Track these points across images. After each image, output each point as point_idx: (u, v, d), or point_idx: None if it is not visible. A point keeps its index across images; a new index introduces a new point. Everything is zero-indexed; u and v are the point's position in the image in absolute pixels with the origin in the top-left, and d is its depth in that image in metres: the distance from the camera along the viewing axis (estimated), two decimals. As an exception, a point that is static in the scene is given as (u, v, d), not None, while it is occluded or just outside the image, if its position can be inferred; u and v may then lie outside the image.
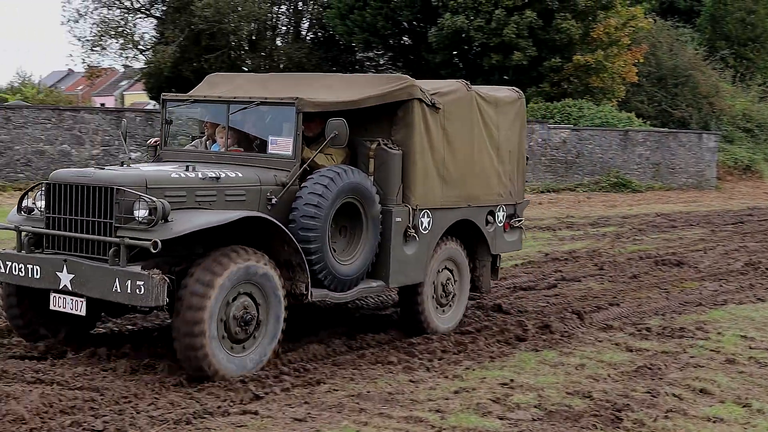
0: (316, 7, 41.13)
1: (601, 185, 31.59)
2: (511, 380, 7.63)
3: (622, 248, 16.52)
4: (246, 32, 40.05)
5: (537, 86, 35.29)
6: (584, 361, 8.34)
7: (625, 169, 32.99)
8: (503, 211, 10.06)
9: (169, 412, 6.45)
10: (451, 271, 9.51)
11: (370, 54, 41.23)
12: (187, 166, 7.84)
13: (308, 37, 41.74)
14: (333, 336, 8.86)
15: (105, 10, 40.47)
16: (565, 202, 26.98)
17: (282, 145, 8.31)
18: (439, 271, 9.31)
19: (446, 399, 7.10)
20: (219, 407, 6.62)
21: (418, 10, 34.96)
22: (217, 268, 7.11)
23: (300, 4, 41.56)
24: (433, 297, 9.25)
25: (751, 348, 9.05)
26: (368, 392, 7.19)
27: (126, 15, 40.90)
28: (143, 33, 41.77)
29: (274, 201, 7.98)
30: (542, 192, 29.66)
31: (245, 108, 8.45)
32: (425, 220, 8.91)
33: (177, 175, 7.71)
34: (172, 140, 9.21)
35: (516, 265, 14.04)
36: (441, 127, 9.07)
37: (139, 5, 41.21)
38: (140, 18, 41.66)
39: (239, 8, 37.92)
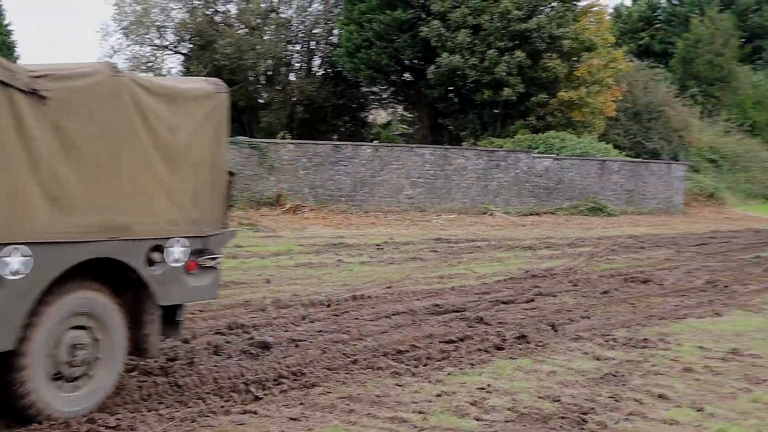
0: (327, 46, 41.30)
1: (579, 209, 31.56)
2: (489, 385, 7.60)
3: (595, 266, 16.48)
4: (263, 68, 40.26)
5: (524, 119, 35.41)
6: (556, 368, 8.31)
7: (601, 195, 32.97)
8: (183, 245, 6.84)
9: (177, 411, 6.44)
10: (87, 330, 6.23)
11: (375, 89, 41.33)
12: None
13: (319, 73, 41.86)
14: (329, 342, 8.84)
15: (137, 47, 40.77)
16: (546, 225, 26.96)
17: None
18: (61, 331, 6.05)
19: (428, 401, 7.07)
20: (222, 407, 6.61)
21: (419, 49, 35.05)
22: None
23: (312, 43, 41.72)
24: (47, 370, 5.98)
25: (707, 357, 9.00)
26: (358, 395, 7.17)
27: (155, 51, 41.20)
28: (171, 68, 42.10)
29: None
30: (526, 215, 29.68)
31: None
32: (14, 261, 5.63)
33: None
34: None
35: (498, 281, 14.00)
36: (51, 125, 5.83)
37: (167, 43, 41.43)
38: (168, 54, 41.96)
39: (257, 46, 38.16)
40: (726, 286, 14.30)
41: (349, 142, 30.19)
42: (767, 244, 22.61)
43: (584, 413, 6.85)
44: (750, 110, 53.83)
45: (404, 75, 39.08)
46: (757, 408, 7.26)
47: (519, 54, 32.58)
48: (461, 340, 9.30)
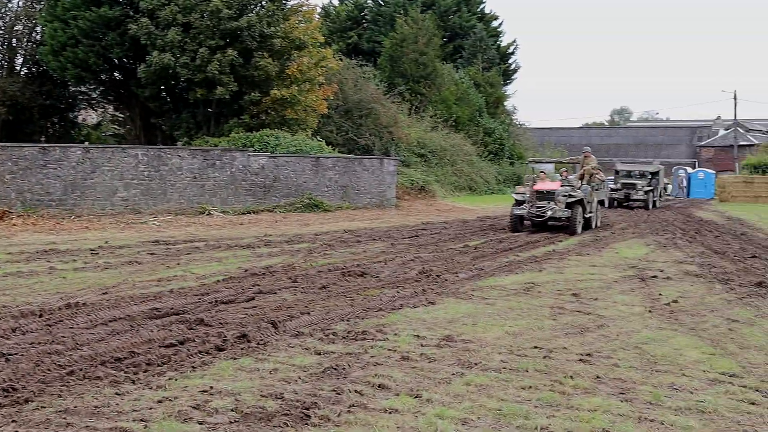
0: (30, 43, 39.08)
1: (296, 206, 31.98)
2: (211, 387, 7.53)
3: (313, 262, 16.72)
4: (-43, 66, 37.55)
5: (238, 118, 35.35)
6: (277, 365, 8.36)
7: (317, 192, 33.57)
8: None
9: None
10: None
11: (83, 88, 39.68)
12: None
13: (22, 72, 39.57)
14: (42, 354, 8.40)
15: None
16: (263, 222, 27.07)
17: None
18: None
19: (150, 408, 6.90)
20: None
21: (128, 48, 34.06)
22: None
23: (14, 41, 39.33)
24: None
25: (422, 345, 9.38)
26: (75, 407, 6.87)
27: None
28: None
29: None
30: (243, 214, 29.66)
31: None
32: None
33: None
34: None
35: (218, 281, 13.89)
36: None
37: None
38: None
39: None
40: (438, 276, 14.97)
41: (57, 145, 28.78)
42: (474, 234, 24.00)
43: (307, 408, 6.94)
44: (453, 106, 56.77)
45: (114, 74, 37.84)
46: (470, 391, 7.66)
47: (231, 52, 32.47)
48: (182, 343, 9.14)
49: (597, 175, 28.58)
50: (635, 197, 42.29)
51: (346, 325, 10.42)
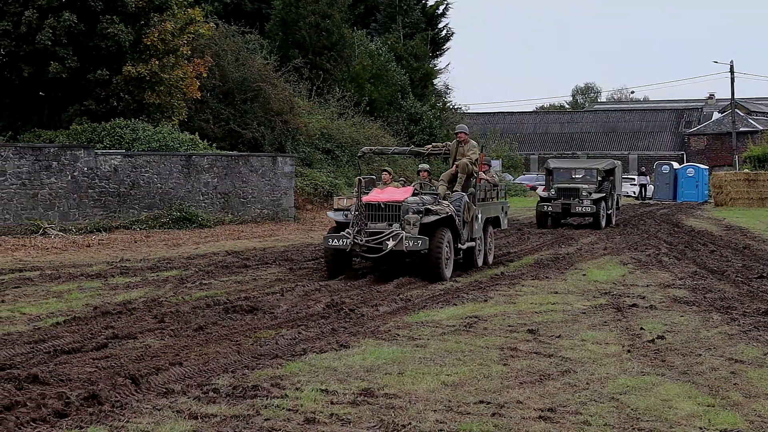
0: None
1: (161, 221, 31.77)
2: (50, 469, 7.41)
3: (186, 295, 16.61)
4: None
5: (81, 104, 34.92)
6: (140, 435, 8.27)
7: (189, 201, 33.44)
8: None
9: None
10: None
11: None
12: None
13: None
14: None
15: None
16: (119, 243, 26.81)
17: None
18: None
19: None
20: None
21: None
22: None
23: None
24: None
25: (333, 403, 9.36)
26: None
27: None
28: None
29: None
30: (91, 232, 29.34)
31: None
32: None
33: None
34: None
35: (58, 323, 13.68)
36: None
37: None
38: None
39: None
40: (351, 310, 14.98)
41: None
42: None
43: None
44: (367, 86, 56.94)
45: None
46: (395, 461, 7.69)
47: (68, 16, 32.06)
48: (8, 408, 8.95)
49: (484, 175, 23.48)
50: (578, 210, 37.14)
51: (231, 378, 10.36)
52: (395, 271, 19.89)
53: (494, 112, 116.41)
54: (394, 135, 56.01)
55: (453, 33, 78.05)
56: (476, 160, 21.64)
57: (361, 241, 19.00)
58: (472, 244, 21.23)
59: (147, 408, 9.14)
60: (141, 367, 10.71)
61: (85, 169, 30.87)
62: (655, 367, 11.15)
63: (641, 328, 13.68)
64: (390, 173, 22.31)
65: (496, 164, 73.54)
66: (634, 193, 69.69)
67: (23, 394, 9.53)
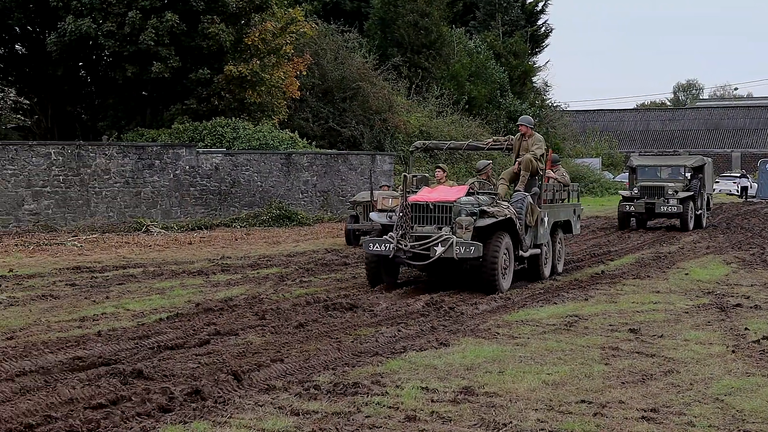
0: None
1: (261, 219, 31.95)
2: (155, 462, 7.50)
3: (287, 292, 16.68)
4: None
5: (182, 103, 35.29)
6: (242, 430, 8.33)
7: (289, 199, 33.61)
8: None
9: None
10: None
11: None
12: None
13: None
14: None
15: None
16: (220, 241, 27.05)
17: None
18: None
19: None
20: None
21: (33, 12, 34.02)
22: None
23: None
24: None
25: (433, 401, 9.32)
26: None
27: None
28: None
29: None
30: (192, 230, 29.63)
31: None
32: None
33: None
34: None
35: (161, 319, 13.84)
36: None
37: None
38: None
39: None
40: (451, 308, 14.94)
41: (-60, 141, 28.82)
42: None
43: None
44: (466, 84, 56.72)
45: (15, 47, 37.80)
46: (497, 460, 7.66)
47: (171, 16, 32.46)
48: (114, 403, 9.07)
49: (552, 174, 21.70)
50: (663, 210, 34.26)
51: (332, 375, 10.37)
52: (444, 282, 18.04)
53: (594, 110, 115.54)
54: (493, 133, 55.63)
55: (552, 30, 77.64)
56: (542, 156, 19.13)
57: (405, 246, 16.72)
58: (537, 251, 18.88)
59: (249, 404, 9.20)
60: (243, 364, 10.78)
61: (187, 167, 31.22)
62: (761, 368, 10.96)
63: (746, 329, 13.46)
64: (444, 170, 20.79)
65: (596, 162, 72.89)
66: (737, 191, 68.72)
67: (128, 389, 9.63)
